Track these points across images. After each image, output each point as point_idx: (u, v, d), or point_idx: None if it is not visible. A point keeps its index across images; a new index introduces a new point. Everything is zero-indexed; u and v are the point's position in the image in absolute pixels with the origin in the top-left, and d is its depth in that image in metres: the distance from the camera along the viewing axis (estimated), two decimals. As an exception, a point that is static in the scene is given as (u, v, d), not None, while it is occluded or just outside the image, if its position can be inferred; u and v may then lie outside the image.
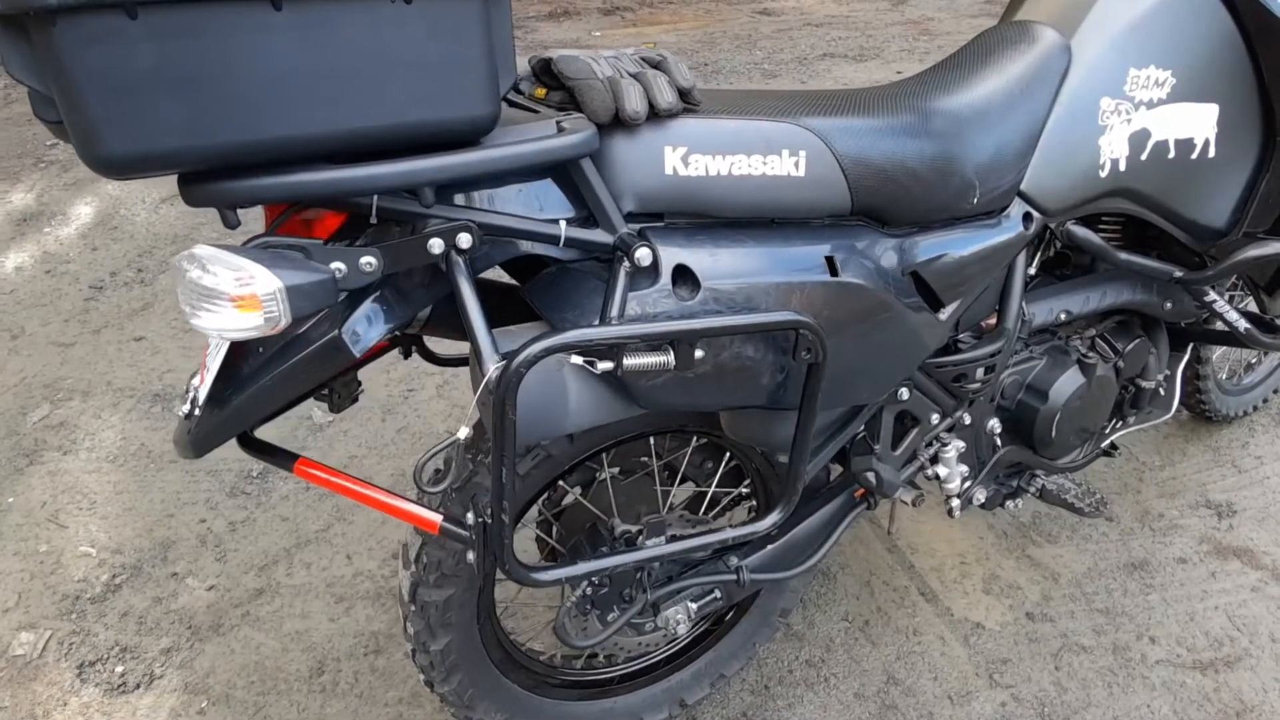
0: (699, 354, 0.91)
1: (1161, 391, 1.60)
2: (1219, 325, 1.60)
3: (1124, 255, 1.37)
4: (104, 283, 2.89)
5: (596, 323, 0.90)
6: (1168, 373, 1.61)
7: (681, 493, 1.40)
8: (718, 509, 1.42)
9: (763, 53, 5.08)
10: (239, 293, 0.67)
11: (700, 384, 0.97)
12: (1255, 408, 2.16)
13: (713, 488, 1.37)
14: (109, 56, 0.64)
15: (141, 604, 1.74)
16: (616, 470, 1.32)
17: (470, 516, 0.92)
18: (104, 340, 2.58)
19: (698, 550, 1.04)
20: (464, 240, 0.84)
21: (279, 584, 1.78)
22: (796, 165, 0.98)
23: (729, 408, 1.03)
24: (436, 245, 0.83)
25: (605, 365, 0.85)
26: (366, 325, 0.87)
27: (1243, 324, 1.51)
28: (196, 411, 0.92)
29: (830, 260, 1.02)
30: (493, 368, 0.80)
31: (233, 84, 0.68)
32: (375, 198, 0.81)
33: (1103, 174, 1.26)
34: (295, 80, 0.70)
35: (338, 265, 0.79)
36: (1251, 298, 1.79)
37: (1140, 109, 1.26)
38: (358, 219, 0.88)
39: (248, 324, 0.69)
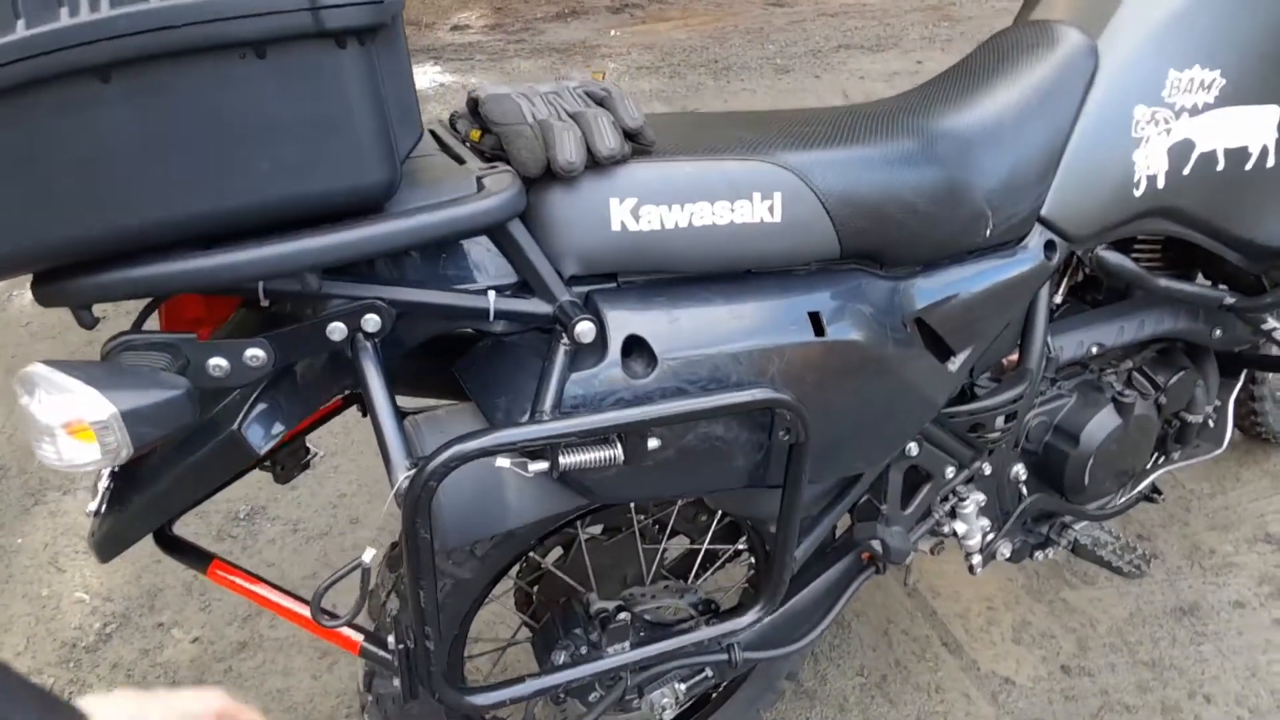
0: (654, 444, 0.78)
1: (1211, 424, 1.43)
2: (1277, 350, 1.42)
3: (1164, 281, 1.21)
4: (107, 314, 2.85)
5: (527, 415, 0.77)
6: (1218, 403, 1.43)
7: (675, 546, 1.28)
8: (714, 568, 1.30)
9: (775, 46, 4.87)
10: (68, 420, 0.56)
11: (663, 471, 0.84)
12: (1319, 426, 1.96)
13: (705, 545, 1.24)
14: None
15: (129, 655, 1.69)
16: (600, 529, 1.20)
17: (391, 640, 0.80)
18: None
19: (671, 656, 0.91)
20: (371, 323, 0.72)
21: (262, 636, 1.70)
22: (771, 210, 0.85)
23: (699, 493, 0.90)
24: (338, 330, 0.72)
25: (538, 466, 0.73)
26: (269, 419, 0.76)
27: (1306, 353, 1.34)
28: (103, 509, 0.82)
29: (815, 316, 0.89)
30: (401, 476, 0.68)
31: (70, 171, 0.58)
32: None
33: (1138, 193, 1.11)
34: (142, 160, 0.59)
35: (217, 362, 0.68)
36: None
37: (1182, 116, 1.10)
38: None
39: (87, 456, 0.58)
